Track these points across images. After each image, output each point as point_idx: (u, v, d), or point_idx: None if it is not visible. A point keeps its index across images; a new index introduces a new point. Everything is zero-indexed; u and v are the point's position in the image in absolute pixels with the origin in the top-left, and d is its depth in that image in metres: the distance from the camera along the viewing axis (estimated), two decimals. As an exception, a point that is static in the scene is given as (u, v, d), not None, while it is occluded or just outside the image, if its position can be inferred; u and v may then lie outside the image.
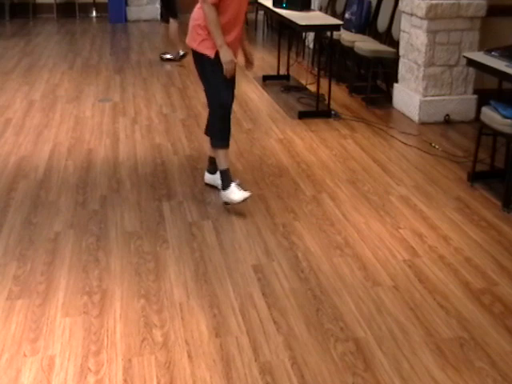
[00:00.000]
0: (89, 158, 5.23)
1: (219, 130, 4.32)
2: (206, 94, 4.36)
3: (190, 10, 4.46)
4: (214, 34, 4.10)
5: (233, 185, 4.28)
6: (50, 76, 7.80)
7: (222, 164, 4.34)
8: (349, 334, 3.07)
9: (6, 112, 6.40)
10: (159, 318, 3.18)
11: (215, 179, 4.56)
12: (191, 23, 4.27)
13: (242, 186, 4.36)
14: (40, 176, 4.87)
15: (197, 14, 4.22)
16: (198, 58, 4.25)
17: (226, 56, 4.13)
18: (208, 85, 4.30)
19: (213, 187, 4.60)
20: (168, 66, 8.35)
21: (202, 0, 4.09)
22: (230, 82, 4.30)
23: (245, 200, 4.25)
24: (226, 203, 4.34)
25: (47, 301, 3.31)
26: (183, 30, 6.57)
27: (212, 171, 4.60)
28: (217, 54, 4.14)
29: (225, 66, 4.15)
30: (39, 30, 10.80)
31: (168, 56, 8.61)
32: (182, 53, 8.49)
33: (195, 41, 4.22)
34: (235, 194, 4.26)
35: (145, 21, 11.79)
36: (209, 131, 4.49)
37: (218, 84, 4.23)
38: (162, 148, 5.48)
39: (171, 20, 8.37)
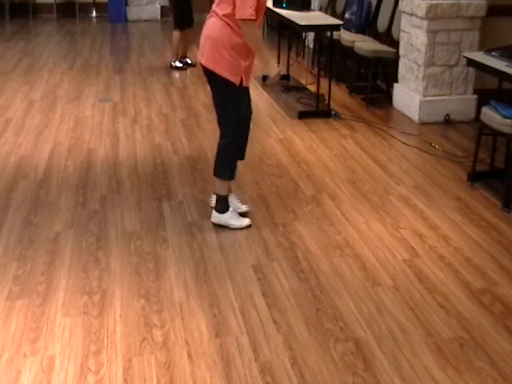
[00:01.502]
0: (89, 158, 5.23)
1: (230, 161, 4.07)
2: (219, 122, 4.04)
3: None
4: (260, 50, 3.83)
5: (230, 210, 4.09)
6: (50, 76, 7.80)
7: (224, 190, 4.11)
8: (349, 334, 3.07)
9: (6, 112, 6.40)
10: (159, 318, 3.18)
11: (226, 218, 4.12)
12: (210, 42, 3.81)
13: (248, 205, 4.27)
14: (40, 176, 4.87)
15: (217, 32, 3.78)
16: (218, 81, 3.84)
17: (274, 69, 3.94)
18: (223, 111, 3.97)
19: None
20: (168, 67, 8.33)
21: (242, 21, 3.68)
22: (247, 109, 4.04)
23: (244, 228, 4.07)
24: (215, 224, 4.10)
25: (47, 301, 3.31)
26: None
27: (217, 209, 4.15)
28: (241, 81, 3.83)
29: (274, 79, 4.00)
30: (39, 30, 10.80)
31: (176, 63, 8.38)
32: (189, 61, 8.31)
33: (216, 63, 3.79)
34: (236, 219, 4.09)
35: (145, 21, 11.79)
36: (215, 163, 4.12)
37: (237, 111, 3.92)
38: (161, 148, 5.48)
39: (176, 31, 8.04)
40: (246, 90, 3.97)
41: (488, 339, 3.05)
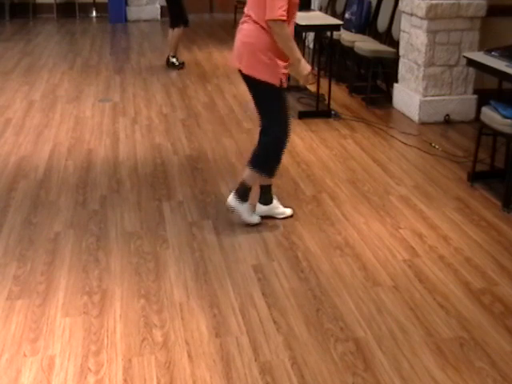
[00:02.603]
0: (89, 158, 5.23)
1: (274, 160, 4.03)
2: (264, 124, 4.00)
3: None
4: (292, 50, 3.77)
5: (247, 204, 4.07)
6: (50, 76, 7.80)
7: (252, 182, 4.07)
8: (349, 334, 3.07)
9: (6, 112, 6.40)
10: (159, 318, 3.18)
11: (271, 209, 4.19)
12: (247, 47, 3.81)
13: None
14: (40, 176, 4.87)
15: (253, 37, 3.79)
16: (260, 86, 3.85)
17: (306, 68, 3.84)
18: (268, 113, 3.95)
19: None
20: (168, 67, 8.33)
21: (271, 21, 3.67)
22: (287, 108, 4.01)
23: (253, 224, 4.09)
24: (230, 210, 4.11)
25: (47, 301, 3.31)
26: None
27: (266, 202, 4.18)
28: (281, 82, 3.83)
29: (305, 78, 3.89)
30: (39, 30, 10.80)
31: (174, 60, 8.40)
32: (179, 61, 8.35)
33: (256, 68, 3.79)
34: (248, 214, 4.09)
35: (145, 21, 11.79)
36: (258, 162, 4.03)
37: (284, 110, 3.95)
38: (161, 148, 5.48)
39: (175, 29, 8.10)
40: (285, 89, 3.97)
41: (488, 339, 3.05)
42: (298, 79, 3.84)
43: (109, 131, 5.88)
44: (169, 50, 8.33)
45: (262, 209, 4.19)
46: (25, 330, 3.09)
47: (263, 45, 3.77)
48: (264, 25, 3.75)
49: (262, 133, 4.06)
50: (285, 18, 3.68)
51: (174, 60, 8.25)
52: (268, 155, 4.05)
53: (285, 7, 3.67)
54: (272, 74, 3.81)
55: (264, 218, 4.22)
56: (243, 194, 4.06)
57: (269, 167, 4.06)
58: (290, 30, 3.81)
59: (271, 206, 4.19)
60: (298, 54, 3.83)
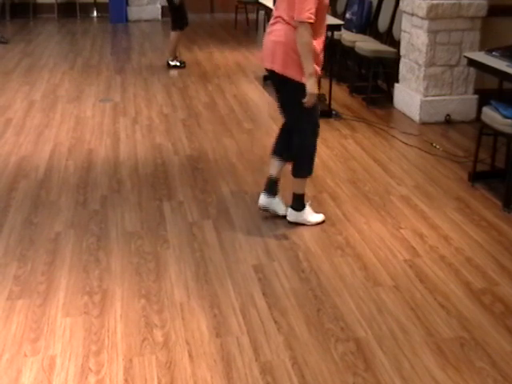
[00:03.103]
0: (89, 158, 5.23)
1: (311, 158, 4.07)
2: (297, 124, 4.01)
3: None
4: (307, 59, 3.74)
5: (307, 206, 4.15)
6: (51, 76, 7.80)
7: (302, 189, 4.14)
8: (349, 334, 3.07)
9: (7, 112, 6.40)
10: (160, 318, 3.18)
11: (273, 204, 4.19)
12: (280, 47, 3.83)
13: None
14: (40, 176, 4.87)
15: (286, 37, 3.81)
16: (291, 86, 3.85)
17: (314, 88, 3.80)
18: (302, 113, 3.91)
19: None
20: (169, 67, 8.34)
21: (299, 22, 3.71)
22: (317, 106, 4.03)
23: (319, 223, 4.15)
24: (291, 222, 4.13)
25: (48, 301, 3.31)
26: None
27: (272, 193, 4.19)
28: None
29: (309, 98, 3.80)
30: (40, 30, 10.80)
31: (174, 62, 8.44)
32: (179, 61, 8.42)
33: (289, 67, 3.82)
34: (312, 215, 4.15)
35: (145, 21, 11.79)
36: (296, 164, 4.09)
37: (315, 109, 3.96)
38: (162, 148, 5.48)
39: (172, 32, 8.16)
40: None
41: (488, 339, 3.05)
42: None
43: (109, 131, 5.88)
44: (168, 54, 8.35)
45: (266, 201, 4.18)
46: (25, 329, 3.09)
47: (295, 45, 3.78)
48: (294, 25, 3.78)
49: (291, 134, 4.07)
50: (312, 20, 3.71)
51: (173, 63, 8.29)
52: (303, 156, 4.07)
53: (312, 10, 3.71)
54: (304, 73, 3.80)
55: (264, 218, 4.22)
56: (300, 202, 4.12)
57: (306, 167, 4.10)
58: (321, 40, 3.88)
59: (304, 212, 4.14)
60: (312, 67, 3.78)
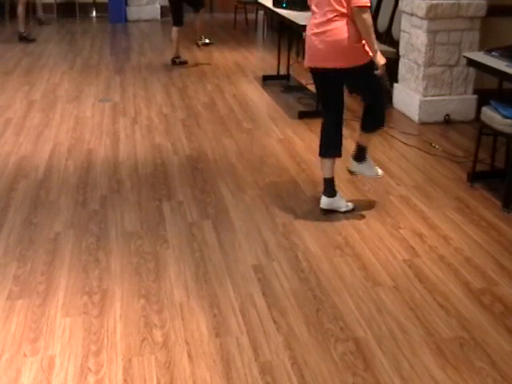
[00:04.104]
0: (89, 158, 5.23)
1: (385, 112, 4.30)
2: (374, 96, 4.20)
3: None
4: (372, 39, 3.92)
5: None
6: (50, 76, 7.80)
7: (369, 141, 4.39)
8: (349, 334, 3.07)
9: (7, 112, 6.40)
10: (159, 318, 3.18)
11: (363, 168, 4.45)
12: (343, 44, 3.93)
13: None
14: (40, 176, 4.87)
15: (347, 32, 3.92)
16: (362, 70, 4.01)
17: (383, 58, 4.01)
18: (375, 85, 4.13)
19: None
20: (168, 67, 8.34)
21: (358, 8, 3.83)
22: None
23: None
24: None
25: (47, 301, 3.31)
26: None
27: (359, 159, 4.42)
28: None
29: (382, 69, 4.02)
30: (39, 30, 10.80)
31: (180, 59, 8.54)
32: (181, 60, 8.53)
33: (353, 58, 3.97)
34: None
35: (145, 21, 11.79)
36: (375, 122, 4.30)
37: (379, 78, 4.11)
38: (162, 148, 5.49)
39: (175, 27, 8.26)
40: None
41: (488, 339, 3.05)
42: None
43: (109, 131, 5.88)
44: (173, 52, 8.42)
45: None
46: (25, 329, 3.09)
47: (353, 36, 3.92)
48: (350, 18, 3.92)
49: (370, 104, 4.25)
50: (369, 4, 3.89)
51: (178, 60, 8.42)
52: (384, 111, 4.29)
53: None
54: (365, 52, 3.98)
55: (264, 218, 4.22)
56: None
57: (384, 117, 4.31)
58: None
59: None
60: (376, 44, 3.97)
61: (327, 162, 4.28)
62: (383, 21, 7.14)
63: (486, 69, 4.65)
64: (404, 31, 6.41)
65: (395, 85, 6.62)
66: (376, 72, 4.03)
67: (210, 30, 11.15)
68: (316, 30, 4.03)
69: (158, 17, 11.92)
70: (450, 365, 2.87)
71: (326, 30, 3.97)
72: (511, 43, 5.08)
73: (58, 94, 7.05)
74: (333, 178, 4.29)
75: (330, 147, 4.27)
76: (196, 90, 7.28)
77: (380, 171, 4.50)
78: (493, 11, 6.03)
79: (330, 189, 4.27)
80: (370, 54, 3.98)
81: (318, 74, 4.18)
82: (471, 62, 4.84)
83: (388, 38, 7.03)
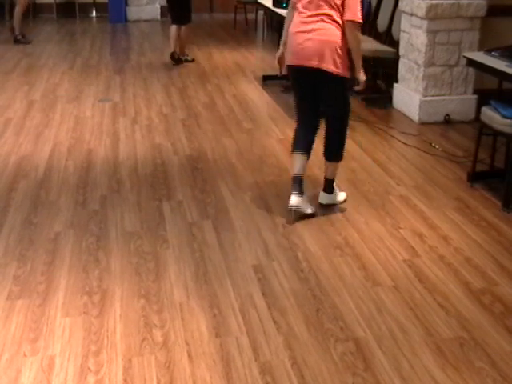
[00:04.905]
0: (89, 158, 5.23)
1: (345, 142, 4.28)
2: (339, 116, 4.19)
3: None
4: (360, 55, 3.97)
5: (337, 188, 4.41)
6: (50, 76, 7.80)
7: (336, 173, 4.38)
8: (349, 334, 3.07)
9: (6, 112, 6.40)
10: (159, 318, 3.18)
11: (333, 198, 4.39)
12: (329, 45, 3.91)
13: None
14: (40, 176, 4.87)
15: (334, 36, 3.91)
16: (338, 81, 4.01)
17: (364, 75, 4.08)
18: (344, 104, 4.16)
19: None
20: (168, 67, 8.34)
21: (351, 22, 3.86)
22: None
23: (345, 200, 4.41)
24: (326, 205, 4.36)
25: (47, 301, 3.31)
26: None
27: (330, 191, 4.38)
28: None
29: (362, 85, 4.12)
30: (39, 30, 10.80)
31: (185, 57, 8.57)
32: (189, 58, 8.58)
33: (335, 64, 3.93)
34: (340, 195, 4.40)
35: (145, 21, 11.79)
36: (337, 150, 4.27)
37: (348, 100, 4.19)
38: (162, 148, 5.49)
39: (175, 26, 8.28)
40: None
41: (488, 339, 3.05)
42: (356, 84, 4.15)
43: (109, 131, 5.88)
44: (179, 50, 8.44)
45: (325, 196, 4.38)
46: (25, 329, 3.09)
47: (343, 42, 3.93)
48: (339, 25, 3.92)
49: (331, 121, 4.22)
50: (361, 21, 3.92)
51: (183, 58, 8.50)
52: (344, 138, 4.27)
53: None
54: (348, 67, 4.01)
55: (264, 218, 4.22)
56: (332, 186, 4.34)
57: (344, 149, 4.30)
58: None
59: (334, 194, 4.38)
60: (361, 62, 4.01)
61: (298, 157, 4.21)
62: (383, 21, 7.14)
63: (485, 69, 4.65)
64: (404, 31, 6.41)
65: (395, 85, 6.62)
66: (357, 88, 4.11)
67: (210, 30, 11.16)
68: (303, 28, 3.98)
69: (158, 17, 11.92)
70: (450, 365, 2.87)
71: (317, 28, 3.94)
72: (511, 43, 5.08)
73: (57, 93, 7.05)
74: (301, 176, 4.18)
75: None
76: (196, 89, 7.28)
77: (344, 194, 4.45)
78: (493, 11, 6.03)
79: (299, 188, 4.15)
80: (353, 70, 4.01)
81: (299, 73, 4.11)
82: (471, 62, 4.84)
83: (388, 38, 7.03)
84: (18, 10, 9.67)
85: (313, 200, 4.37)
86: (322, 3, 3.93)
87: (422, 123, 6.14)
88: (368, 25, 7.53)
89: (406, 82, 6.42)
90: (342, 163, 5.18)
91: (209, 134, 5.85)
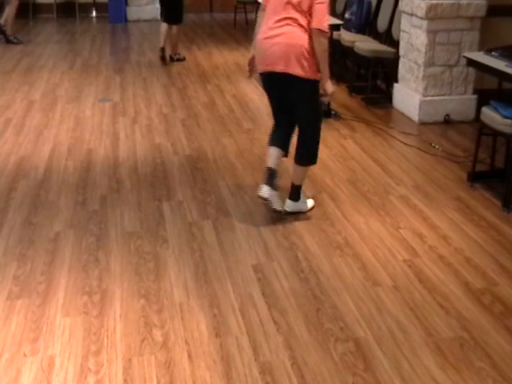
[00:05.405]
0: (89, 158, 5.23)
1: (317, 147, 4.20)
2: (309, 119, 4.11)
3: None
4: (326, 64, 3.91)
5: (302, 196, 4.28)
6: (50, 76, 7.80)
7: (304, 179, 4.30)
8: (349, 334, 3.07)
9: (6, 112, 6.40)
10: (159, 318, 3.18)
11: (299, 205, 4.27)
12: (295, 48, 3.87)
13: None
14: (40, 176, 4.87)
15: (301, 39, 3.87)
16: (307, 85, 3.96)
17: (331, 86, 4.02)
18: (313, 108, 4.09)
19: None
20: (168, 66, 8.34)
21: (318, 31, 3.82)
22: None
23: (313, 208, 4.31)
24: (287, 212, 4.22)
25: (47, 301, 3.31)
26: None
27: (296, 198, 4.25)
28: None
29: (330, 98, 4.14)
30: (39, 30, 10.80)
31: (178, 56, 8.62)
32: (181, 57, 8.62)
33: (302, 68, 3.89)
34: (308, 202, 4.31)
35: (145, 21, 11.79)
36: (307, 154, 4.19)
37: (318, 103, 4.12)
38: (161, 148, 5.48)
39: (166, 24, 8.37)
40: None
41: (488, 339, 3.05)
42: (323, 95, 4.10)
43: (109, 131, 5.88)
44: (170, 50, 8.47)
45: (291, 204, 4.26)
46: (25, 329, 3.09)
47: (309, 46, 3.88)
48: (307, 29, 3.87)
49: (301, 125, 4.16)
50: (329, 31, 3.90)
51: (176, 57, 8.54)
52: (316, 143, 4.18)
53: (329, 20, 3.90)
54: (316, 71, 3.94)
55: (264, 218, 4.22)
56: (299, 193, 4.24)
57: (316, 154, 4.22)
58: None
59: (300, 202, 4.27)
60: (328, 70, 3.97)
61: (271, 150, 4.20)
62: (383, 21, 7.14)
63: (485, 69, 4.65)
64: (404, 31, 6.41)
65: (395, 85, 6.62)
66: (324, 99, 4.09)
67: (210, 30, 11.16)
68: (270, 33, 3.95)
69: (158, 17, 11.88)
70: (449, 365, 2.87)
71: (282, 32, 3.91)
72: (511, 43, 5.08)
73: (57, 93, 7.05)
74: (274, 169, 4.15)
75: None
76: (196, 89, 7.27)
77: (312, 202, 4.35)
78: (493, 11, 6.04)
79: (271, 181, 4.12)
80: (318, 75, 3.95)
81: (268, 78, 4.08)
82: (471, 62, 4.84)
83: (388, 38, 7.03)
84: (11, 11, 9.65)
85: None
86: (288, 6, 3.89)
87: (422, 123, 6.13)
88: (368, 25, 7.55)
89: (405, 82, 6.42)
90: (341, 163, 5.19)
91: (209, 133, 5.85)
